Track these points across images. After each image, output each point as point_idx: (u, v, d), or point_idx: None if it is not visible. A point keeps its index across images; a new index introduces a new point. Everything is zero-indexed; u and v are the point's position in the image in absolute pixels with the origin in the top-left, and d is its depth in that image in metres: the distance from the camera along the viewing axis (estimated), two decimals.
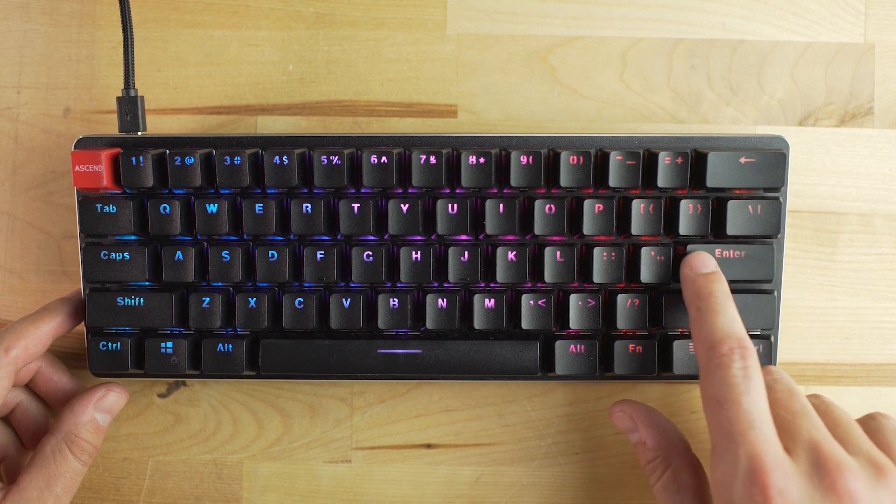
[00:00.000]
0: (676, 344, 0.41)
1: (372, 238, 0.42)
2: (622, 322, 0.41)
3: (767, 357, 0.41)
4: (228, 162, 0.40)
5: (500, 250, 0.41)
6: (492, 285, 0.42)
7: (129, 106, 0.43)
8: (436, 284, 0.42)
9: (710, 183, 0.40)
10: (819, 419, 0.35)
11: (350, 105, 0.45)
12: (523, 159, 0.40)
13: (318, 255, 0.41)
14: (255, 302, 0.41)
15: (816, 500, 0.31)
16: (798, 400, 0.36)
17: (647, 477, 0.40)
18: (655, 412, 0.41)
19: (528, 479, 0.45)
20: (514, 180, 0.41)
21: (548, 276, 0.41)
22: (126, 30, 0.42)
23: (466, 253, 0.41)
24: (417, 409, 0.45)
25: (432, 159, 0.40)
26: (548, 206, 0.41)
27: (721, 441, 0.34)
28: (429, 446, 0.45)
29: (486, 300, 0.41)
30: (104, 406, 0.41)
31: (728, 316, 0.36)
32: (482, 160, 0.40)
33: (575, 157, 0.40)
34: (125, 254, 0.41)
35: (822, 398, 0.38)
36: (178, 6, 0.45)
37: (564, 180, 0.40)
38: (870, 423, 0.37)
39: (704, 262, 0.39)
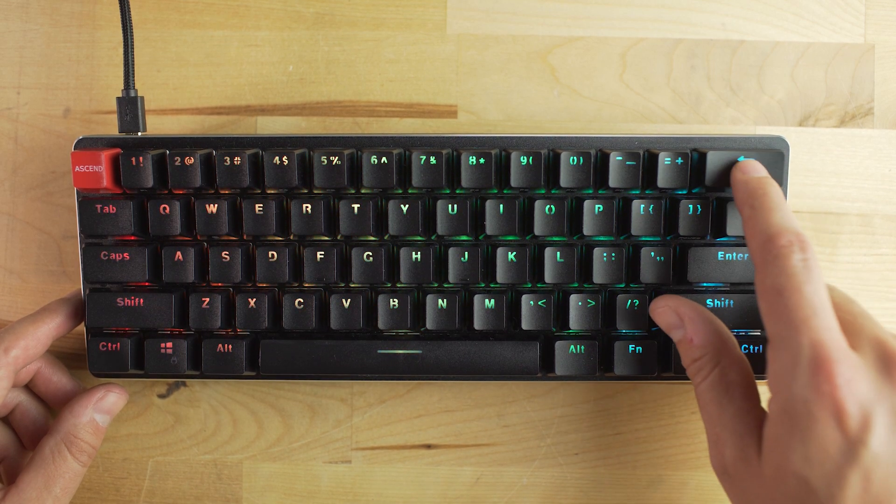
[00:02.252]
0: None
1: (372, 238, 0.42)
2: (622, 322, 0.41)
3: None
4: (228, 162, 0.40)
5: (500, 250, 0.41)
6: (492, 286, 0.42)
7: (129, 106, 0.43)
8: (436, 285, 0.42)
9: (710, 183, 0.40)
10: (880, 323, 0.34)
11: (350, 105, 0.45)
12: (523, 159, 0.40)
13: (318, 256, 0.41)
14: (255, 302, 0.41)
15: (885, 394, 0.30)
16: (857, 304, 0.35)
17: (690, 376, 0.38)
18: (700, 307, 0.39)
19: (528, 479, 0.45)
20: (514, 180, 0.41)
21: (548, 277, 0.41)
22: (126, 30, 0.42)
23: (466, 253, 0.41)
24: (417, 409, 0.45)
25: (432, 159, 0.40)
26: (548, 206, 0.41)
27: (781, 330, 0.32)
28: (429, 446, 0.45)
29: (486, 300, 0.41)
30: (104, 407, 0.41)
31: (784, 212, 0.35)
32: (482, 160, 0.40)
33: (575, 158, 0.40)
34: (125, 254, 0.41)
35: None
36: (178, 6, 0.45)
37: (564, 180, 0.40)
38: None
39: (756, 168, 0.38)
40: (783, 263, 0.33)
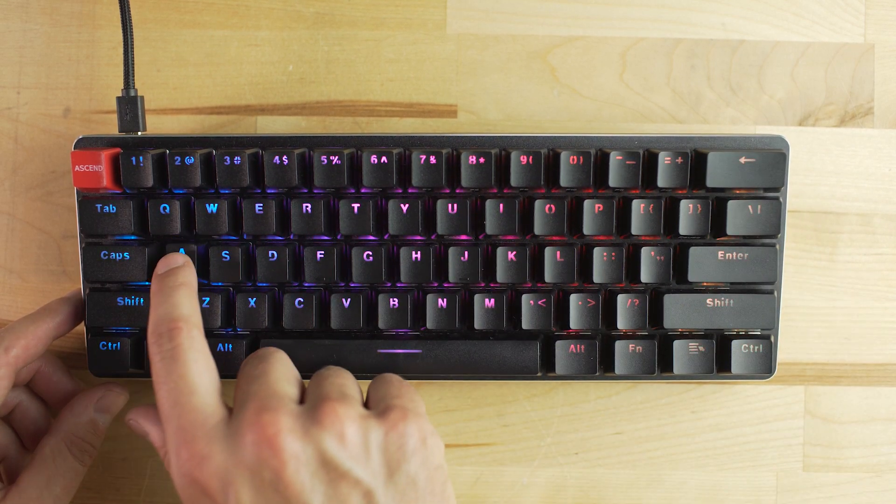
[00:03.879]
0: (676, 344, 0.41)
1: (372, 238, 0.42)
2: (622, 322, 0.41)
3: (767, 357, 0.41)
4: (228, 162, 0.40)
5: (500, 250, 0.41)
6: (492, 285, 0.42)
7: (129, 106, 0.43)
8: (436, 284, 0.42)
9: (710, 183, 0.40)
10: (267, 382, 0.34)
11: (350, 105, 0.45)
12: (523, 159, 0.40)
13: (318, 255, 0.41)
14: (255, 302, 0.41)
15: (239, 458, 0.31)
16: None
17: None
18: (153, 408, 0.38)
19: (527, 478, 0.45)
20: (514, 180, 0.41)
21: (548, 276, 0.41)
22: (126, 30, 0.42)
23: (466, 253, 0.41)
24: None
25: (432, 159, 0.40)
26: (548, 206, 0.41)
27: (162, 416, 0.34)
28: None
29: (486, 300, 0.41)
30: (103, 406, 0.41)
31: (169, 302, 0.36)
32: (482, 160, 0.40)
33: (575, 157, 0.40)
34: (125, 254, 0.41)
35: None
36: (178, 6, 0.45)
37: (564, 180, 0.40)
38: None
39: (168, 262, 0.39)
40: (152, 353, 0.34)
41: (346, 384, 0.35)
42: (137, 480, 0.45)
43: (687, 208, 0.41)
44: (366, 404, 0.35)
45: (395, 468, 0.32)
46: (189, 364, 0.34)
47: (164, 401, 0.33)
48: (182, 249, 0.41)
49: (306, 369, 0.42)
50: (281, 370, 0.35)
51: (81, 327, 0.43)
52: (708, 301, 0.41)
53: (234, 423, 0.32)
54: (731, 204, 0.40)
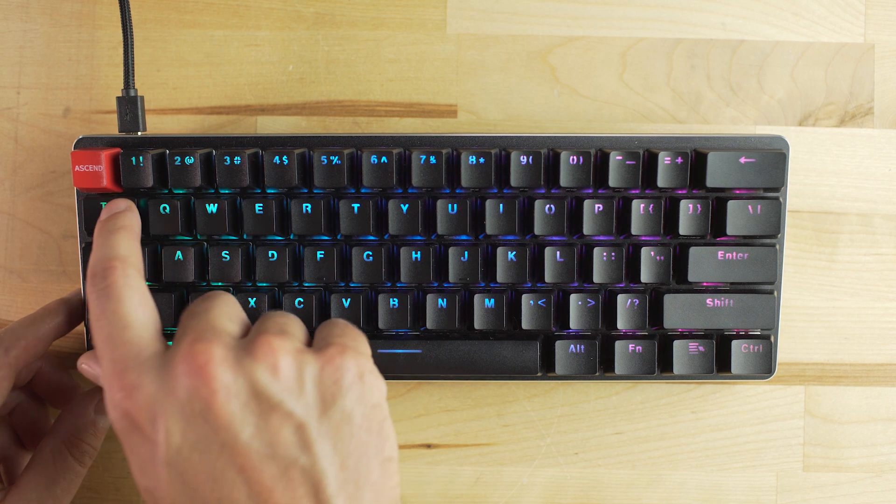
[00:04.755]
0: (676, 344, 0.41)
1: (372, 238, 0.42)
2: (622, 322, 0.41)
3: (767, 357, 0.41)
4: (228, 162, 0.40)
5: (500, 250, 0.41)
6: (492, 285, 0.42)
7: (129, 106, 0.43)
8: (436, 284, 0.42)
9: (710, 183, 0.40)
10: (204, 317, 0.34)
11: (350, 105, 0.45)
12: (523, 159, 0.40)
13: (318, 255, 0.41)
14: (254, 302, 0.41)
15: (168, 388, 0.30)
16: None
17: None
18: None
19: (527, 478, 0.45)
20: (514, 180, 0.41)
21: (548, 276, 0.41)
22: (126, 30, 0.42)
23: (466, 253, 0.41)
24: (417, 409, 0.45)
25: (432, 159, 0.40)
26: (548, 206, 0.41)
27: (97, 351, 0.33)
28: (429, 446, 0.45)
29: (486, 300, 0.41)
30: (104, 407, 0.41)
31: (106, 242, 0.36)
32: (482, 160, 0.40)
33: (575, 157, 0.40)
34: None
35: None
36: (178, 6, 0.45)
37: (564, 180, 0.40)
38: None
39: (111, 207, 0.39)
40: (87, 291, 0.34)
41: (288, 323, 0.34)
42: None
43: (687, 208, 0.41)
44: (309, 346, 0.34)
45: (329, 403, 0.31)
46: (123, 300, 0.33)
47: (98, 337, 0.32)
48: (179, 252, 0.41)
49: None
50: (223, 308, 0.34)
51: (81, 327, 0.43)
52: (708, 301, 0.41)
53: (168, 354, 0.31)
54: (731, 204, 0.40)
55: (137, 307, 0.33)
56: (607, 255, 0.41)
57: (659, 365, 0.42)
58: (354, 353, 0.32)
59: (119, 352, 0.31)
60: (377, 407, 0.32)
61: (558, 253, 0.41)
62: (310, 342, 0.34)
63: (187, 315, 0.33)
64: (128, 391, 0.30)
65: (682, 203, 0.41)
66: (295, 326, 0.34)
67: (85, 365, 0.38)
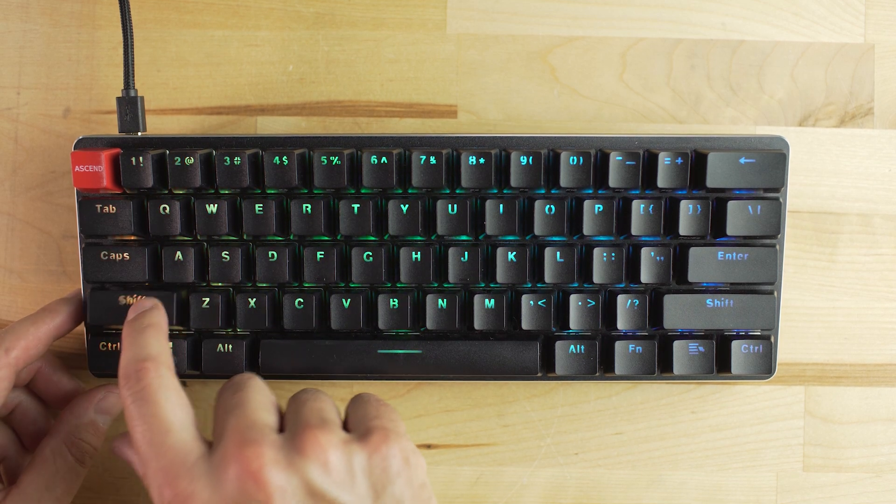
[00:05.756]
0: (676, 344, 0.41)
1: (372, 238, 0.42)
2: (622, 322, 0.41)
3: (767, 357, 0.41)
4: (228, 162, 0.40)
5: (500, 251, 0.41)
6: (492, 286, 0.42)
7: (129, 106, 0.43)
8: (436, 285, 0.42)
9: (710, 183, 0.40)
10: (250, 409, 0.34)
11: (350, 105, 0.45)
12: (523, 159, 0.40)
13: (318, 256, 0.41)
14: (255, 302, 0.41)
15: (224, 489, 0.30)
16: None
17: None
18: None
19: (527, 478, 0.45)
20: (514, 180, 0.41)
21: (548, 277, 0.41)
22: (126, 30, 0.42)
23: (466, 253, 0.41)
24: (417, 409, 0.45)
25: (432, 159, 0.40)
26: (548, 206, 0.41)
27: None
28: (429, 446, 0.45)
29: (486, 300, 0.41)
30: (104, 407, 0.41)
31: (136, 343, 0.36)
32: (482, 160, 0.40)
33: (575, 157, 0.40)
34: (125, 254, 0.41)
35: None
36: (178, 6, 0.45)
37: (564, 180, 0.40)
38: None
39: (138, 306, 0.38)
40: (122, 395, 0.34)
41: (324, 408, 0.34)
42: (137, 481, 0.45)
43: (687, 208, 0.41)
44: (345, 426, 0.35)
45: (380, 491, 0.32)
46: (160, 402, 0.33)
47: (140, 442, 0.33)
48: (180, 252, 0.41)
49: (306, 370, 0.42)
50: (258, 398, 0.34)
51: (81, 327, 0.43)
52: (708, 301, 0.41)
53: (216, 457, 0.31)
54: (731, 204, 0.40)
55: (175, 408, 0.33)
56: (607, 256, 0.41)
57: (659, 365, 0.42)
58: (396, 436, 0.33)
59: (165, 459, 0.32)
60: (423, 486, 0.33)
61: (558, 253, 0.41)
62: (343, 420, 0.35)
63: (224, 410, 0.34)
64: (182, 499, 0.31)
65: (682, 203, 0.41)
66: (331, 411, 0.35)
67: (118, 450, 0.38)
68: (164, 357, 0.35)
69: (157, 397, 0.33)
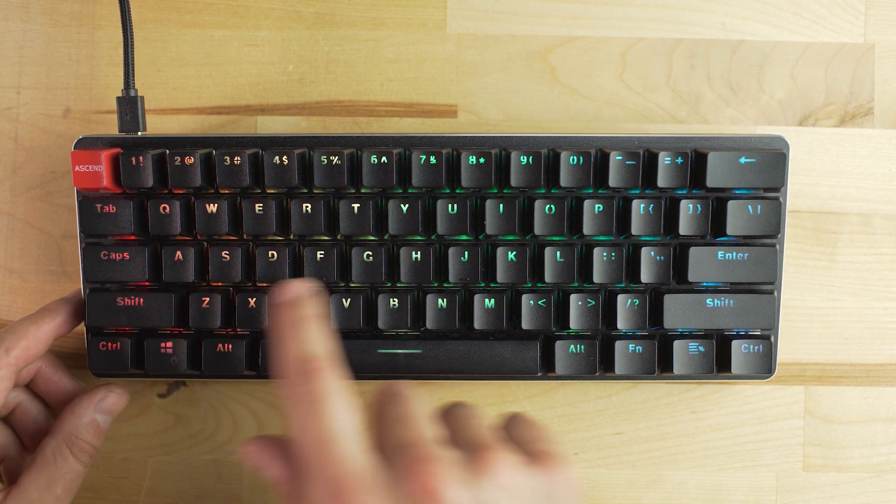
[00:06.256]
0: (676, 344, 0.41)
1: (372, 238, 0.42)
2: (622, 322, 0.41)
3: (767, 357, 0.41)
4: (228, 162, 0.40)
5: (500, 250, 0.41)
6: (492, 285, 0.42)
7: (129, 106, 0.43)
8: (436, 284, 0.42)
9: (710, 183, 0.40)
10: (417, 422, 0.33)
11: (350, 105, 0.45)
12: (523, 159, 0.40)
13: (318, 255, 0.41)
14: (255, 302, 0.41)
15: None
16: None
17: None
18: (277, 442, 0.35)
19: None
20: (514, 180, 0.41)
21: (548, 276, 0.41)
22: (126, 30, 0.42)
23: (466, 253, 0.41)
24: None
25: (432, 159, 0.40)
26: (548, 205, 0.41)
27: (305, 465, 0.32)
28: None
29: (486, 300, 0.41)
30: (104, 407, 0.41)
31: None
32: (482, 160, 0.40)
33: (575, 157, 0.40)
34: (125, 254, 0.41)
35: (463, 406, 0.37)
36: (178, 6, 0.45)
37: (564, 180, 0.40)
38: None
39: (289, 290, 0.35)
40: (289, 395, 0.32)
41: (487, 427, 0.34)
42: (137, 480, 0.45)
43: (687, 208, 0.41)
44: None
45: None
46: (332, 408, 0.31)
47: (308, 449, 0.31)
48: (180, 252, 0.41)
49: None
50: (422, 410, 0.34)
51: (81, 327, 0.43)
52: (708, 301, 0.41)
53: (392, 472, 0.31)
54: (731, 204, 0.40)
55: (346, 416, 0.32)
56: (607, 255, 0.41)
57: (659, 365, 0.42)
58: (566, 461, 0.33)
59: (337, 469, 0.30)
60: None
61: (558, 253, 0.41)
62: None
63: (389, 423, 0.33)
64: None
65: (682, 203, 0.41)
66: (492, 430, 0.34)
67: (253, 453, 0.35)
68: (333, 356, 0.33)
69: (329, 402, 0.31)
